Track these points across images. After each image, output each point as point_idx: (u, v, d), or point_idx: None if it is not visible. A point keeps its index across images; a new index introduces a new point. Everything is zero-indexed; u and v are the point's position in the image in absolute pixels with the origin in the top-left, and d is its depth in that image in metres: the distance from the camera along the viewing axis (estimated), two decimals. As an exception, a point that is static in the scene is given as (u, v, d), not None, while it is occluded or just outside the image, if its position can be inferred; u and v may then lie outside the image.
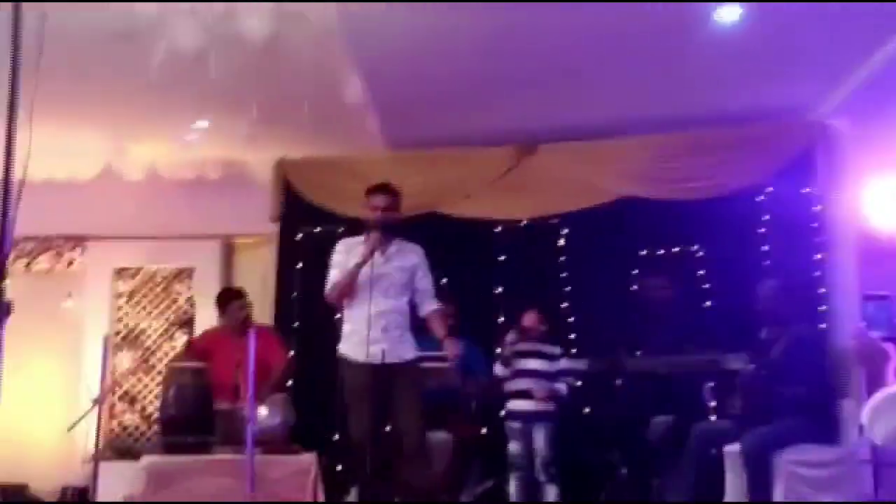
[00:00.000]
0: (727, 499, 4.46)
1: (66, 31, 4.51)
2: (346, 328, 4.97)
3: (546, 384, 4.93)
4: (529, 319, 5.06)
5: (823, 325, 5.56)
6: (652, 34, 4.83)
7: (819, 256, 5.78)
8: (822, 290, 5.71)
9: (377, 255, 4.83)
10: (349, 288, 4.81)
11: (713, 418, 5.25)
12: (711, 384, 5.46)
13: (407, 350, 4.87)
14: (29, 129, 2.32)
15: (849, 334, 2.77)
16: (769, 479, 4.26)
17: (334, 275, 4.91)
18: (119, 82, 5.49)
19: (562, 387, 4.96)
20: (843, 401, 4.52)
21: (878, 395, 1.94)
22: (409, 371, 4.85)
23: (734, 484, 4.44)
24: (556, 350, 5.07)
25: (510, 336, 4.99)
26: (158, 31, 4.69)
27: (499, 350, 5.13)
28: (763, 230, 5.91)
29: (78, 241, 7.30)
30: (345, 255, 4.94)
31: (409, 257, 4.98)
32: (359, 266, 4.77)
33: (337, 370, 5.15)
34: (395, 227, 4.95)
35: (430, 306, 4.94)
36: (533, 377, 4.97)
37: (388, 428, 4.96)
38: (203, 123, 6.39)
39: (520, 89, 5.63)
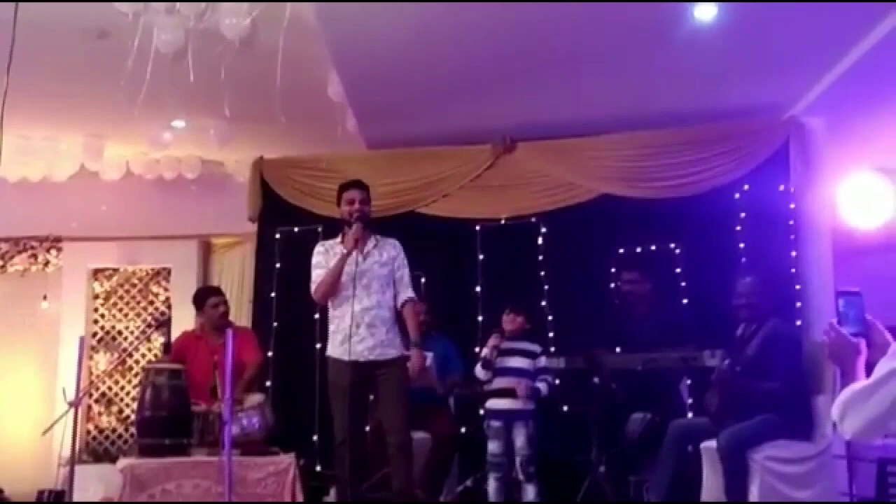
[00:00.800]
0: (704, 495, 4.48)
1: (41, 28, 4.48)
2: (331, 328, 4.98)
3: (527, 382, 4.94)
4: (513, 322, 5.06)
5: (799, 322, 5.62)
6: (628, 32, 4.85)
7: (794, 253, 5.83)
8: (798, 286, 5.77)
9: (356, 254, 4.85)
10: (334, 285, 4.83)
11: (690, 415, 5.29)
12: (688, 381, 5.51)
13: (392, 347, 4.89)
14: (0, 128, 2.31)
15: (821, 330, 2.80)
16: (745, 475, 4.29)
17: (318, 275, 4.93)
18: (95, 81, 5.47)
19: (542, 385, 4.97)
20: (817, 397, 4.56)
21: (847, 390, 1.96)
22: (393, 368, 4.87)
23: (711, 480, 4.46)
24: (537, 348, 5.09)
25: (493, 340, 5.00)
26: (135, 30, 4.66)
27: (481, 352, 5.13)
28: (739, 227, 5.95)
29: (54, 241, 7.25)
30: (324, 256, 4.96)
31: (387, 251, 5.02)
32: (343, 259, 4.80)
33: (321, 370, 5.16)
34: (370, 223, 4.98)
35: (404, 295, 4.98)
36: (515, 375, 4.97)
37: (367, 427, 4.98)
38: (180, 123, 6.36)
39: (498, 87, 5.64)
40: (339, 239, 5.04)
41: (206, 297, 5.86)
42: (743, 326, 4.77)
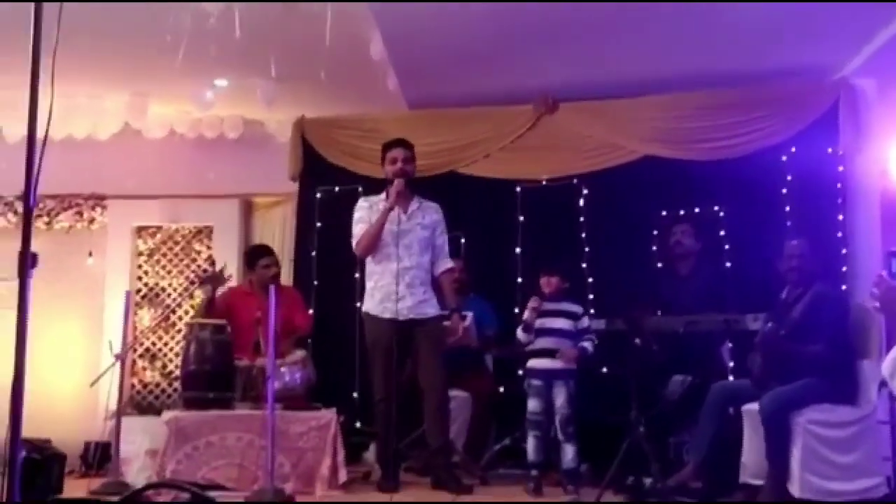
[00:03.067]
0: (744, 457, 4.47)
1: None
2: (370, 285, 5.03)
3: (570, 343, 4.93)
4: (549, 284, 5.04)
5: (845, 286, 5.54)
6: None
7: (842, 217, 5.73)
8: (845, 250, 5.69)
9: (399, 212, 4.88)
10: (376, 239, 4.87)
11: (732, 378, 5.26)
12: (730, 344, 5.47)
13: (430, 306, 4.94)
14: (50, 87, 2.32)
15: (871, 283, 2.76)
16: (787, 438, 4.26)
17: (360, 229, 4.97)
18: (139, 41, 5.49)
19: (587, 345, 4.96)
20: (862, 361, 4.50)
21: (897, 346, 1.92)
22: (431, 327, 4.92)
23: (752, 442, 4.44)
24: (579, 309, 5.07)
25: (532, 303, 4.99)
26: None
27: (523, 313, 5.13)
28: (785, 190, 5.86)
29: (98, 199, 7.34)
30: (368, 211, 5.01)
31: (429, 214, 5.05)
32: (386, 212, 4.83)
33: (360, 327, 5.21)
34: (414, 183, 4.99)
35: (443, 265, 5.04)
36: (556, 336, 4.97)
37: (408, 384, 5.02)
38: (222, 82, 6.38)
39: (540, 47, 5.58)
40: (383, 196, 5.06)
41: (259, 256, 5.94)
42: (788, 289, 4.71)
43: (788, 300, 4.63)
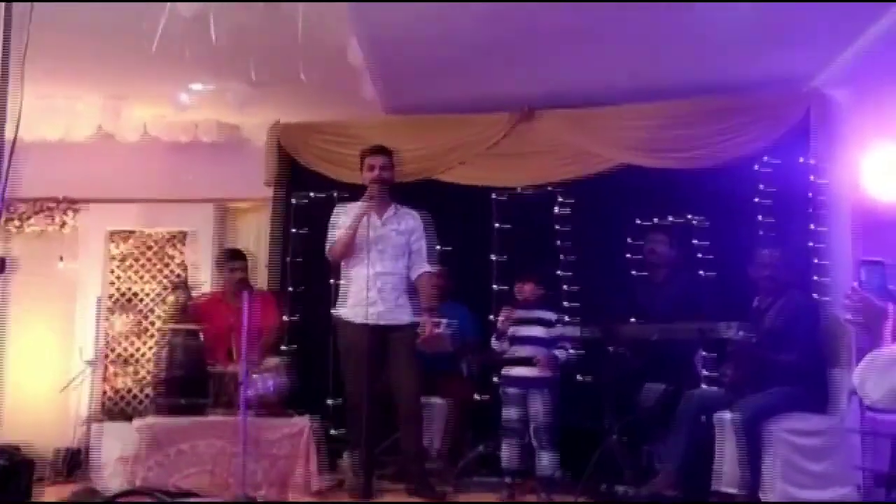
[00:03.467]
0: (717, 465, 4.49)
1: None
2: (342, 290, 5.02)
3: (545, 350, 4.93)
4: (522, 291, 5.05)
5: (817, 296, 5.58)
6: (650, 1, 4.78)
7: (814, 226, 5.78)
8: (817, 260, 5.73)
9: (375, 218, 4.88)
10: (350, 244, 4.86)
11: (705, 386, 5.28)
12: (704, 353, 5.49)
13: (403, 313, 4.93)
14: (21, 88, 2.29)
15: (840, 304, 2.77)
16: (759, 446, 4.29)
17: (334, 234, 4.95)
18: (113, 42, 5.44)
19: (561, 353, 4.97)
20: (834, 370, 4.54)
21: (869, 357, 1.93)
22: (404, 334, 4.90)
23: (724, 450, 4.47)
24: (553, 316, 5.08)
25: (505, 311, 4.99)
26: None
27: (496, 321, 5.13)
28: (758, 199, 5.89)
29: (70, 203, 7.26)
30: (345, 217, 4.99)
31: (406, 221, 5.05)
32: (359, 216, 4.82)
33: (333, 332, 5.19)
34: (391, 189, 4.99)
35: (419, 269, 5.03)
36: (530, 344, 4.97)
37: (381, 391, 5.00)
38: (198, 86, 6.34)
39: (518, 55, 5.58)
40: (360, 203, 5.06)
41: (226, 260, 5.92)
42: (759, 298, 4.75)
43: (760, 308, 4.67)
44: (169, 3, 4.74)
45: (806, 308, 4.69)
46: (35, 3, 2.40)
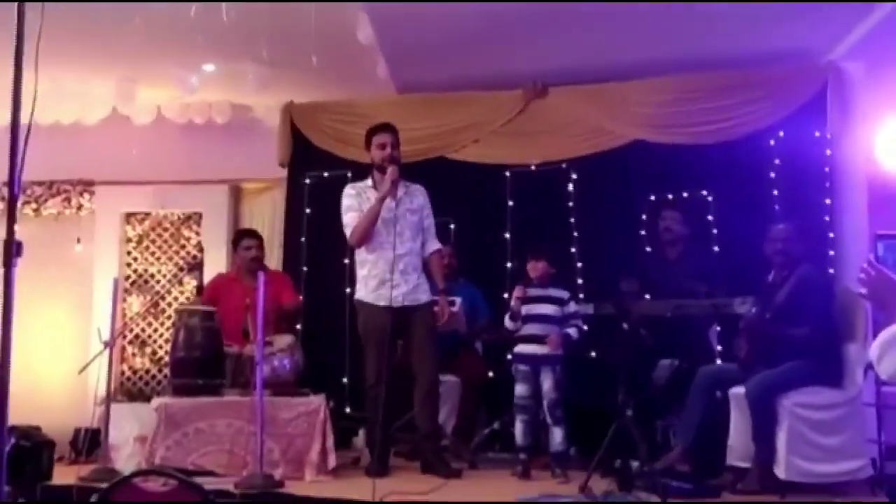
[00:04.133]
0: (731, 441, 4.50)
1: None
2: (363, 273, 5.02)
3: (557, 328, 4.94)
4: (535, 269, 5.05)
5: (832, 269, 5.57)
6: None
7: (829, 200, 5.75)
8: (832, 234, 5.71)
9: (388, 199, 4.87)
10: (371, 229, 4.87)
11: (718, 362, 5.29)
12: (718, 328, 5.50)
13: (422, 292, 4.96)
14: (35, 72, 2.31)
15: (855, 278, 2.76)
16: (773, 421, 4.29)
17: (351, 218, 4.95)
18: (127, 25, 5.44)
19: (572, 331, 4.97)
20: (848, 344, 4.53)
21: (887, 331, 1.91)
22: (424, 313, 4.94)
23: (738, 425, 4.47)
24: (565, 294, 5.07)
25: (517, 291, 5.00)
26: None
27: (510, 301, 5.13)
28: (773, 174, 5.87)
29: (86, 185, 7.31)
30: (356, 199, 4.99)
31: (416, 198, 5.06)
32: (380, 202, 4.83)
33: (351, 313, 5.21)
34: (401, 168, 4.98)
35: (432, 246, 5.06)
36: (542, 322, 4.97)
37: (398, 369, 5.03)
38: (210, 67, 6.35)
39: (530, 32, 5.56)
40: (369, 182, 5.06)
41: (240, 239, 5.96)
42: (774, 273, 4.73)
43: (774, 283, 4.66)
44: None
45: (819, 282, 4.67)
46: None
